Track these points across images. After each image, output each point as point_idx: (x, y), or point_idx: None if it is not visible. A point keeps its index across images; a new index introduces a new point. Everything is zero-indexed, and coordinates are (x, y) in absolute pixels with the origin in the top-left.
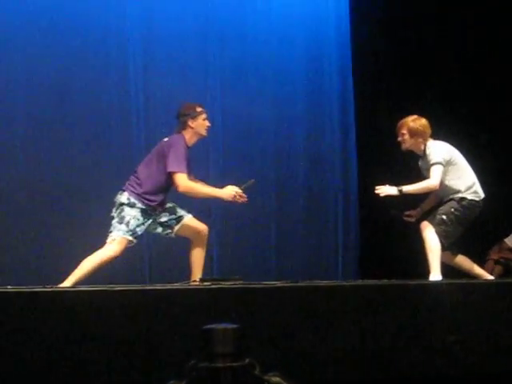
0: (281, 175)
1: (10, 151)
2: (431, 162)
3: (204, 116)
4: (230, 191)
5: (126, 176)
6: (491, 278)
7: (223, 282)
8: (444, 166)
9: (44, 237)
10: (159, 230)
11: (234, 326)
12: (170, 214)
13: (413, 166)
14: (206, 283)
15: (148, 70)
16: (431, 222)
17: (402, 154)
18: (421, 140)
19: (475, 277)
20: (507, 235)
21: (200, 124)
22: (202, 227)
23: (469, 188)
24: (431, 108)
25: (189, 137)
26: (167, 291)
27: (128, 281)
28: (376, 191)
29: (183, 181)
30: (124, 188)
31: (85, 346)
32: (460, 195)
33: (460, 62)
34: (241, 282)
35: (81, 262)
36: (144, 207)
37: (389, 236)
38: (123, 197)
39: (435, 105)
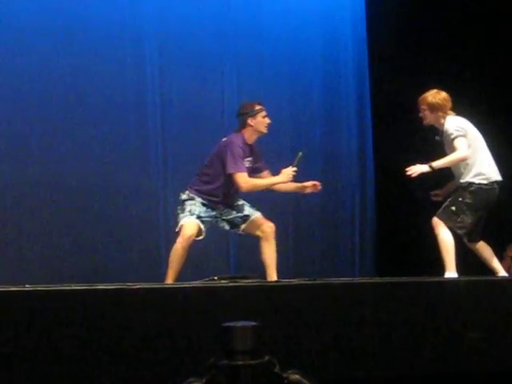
0: (297, 173)
1: (26, 150)
2: (452, 136)
3: (263, 113)
4: (287, 173)
5: (141, 173)
6: (505, 275)
7: (241, 280)
8: (465, 137)
9: (58, 235)
10: (227, 227)
11: (253, 323)
12: (237, 212)
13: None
14: (223, 281)
15: (164, 68)
16: (441, 217)
17: (419, 152)
18: (441, 114)
19: (491, 269)
20: None
21: (259, 121)
22: (268, 225)
23: (478, 171)
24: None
25: (248, 135)
26: (186, 289)
27: (146, 278)
28: (408, 173)
29: (243, 180)
30: (186, 187)
31: (105, 344)
32: (466, 180)
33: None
34: (258, 279)
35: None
36: (203, 201)
37: (406, 232)
38: (184, 194)
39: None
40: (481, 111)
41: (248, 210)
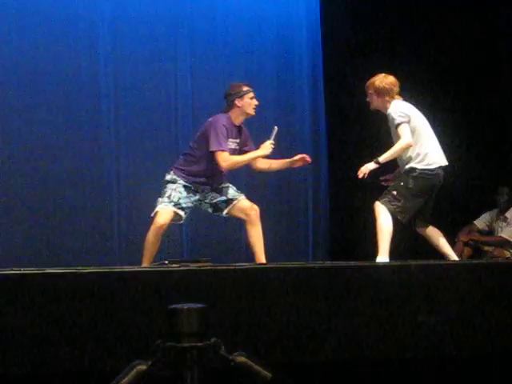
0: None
1: None
2: (396, 123)
3: (251, 95)
4: (266, 146)
5: (95, 160)
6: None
7: (191, 264)
8: (409, 123)
9: (13, 221)
10: (210, 209)
11: (199, 305)
12: (221, 196)
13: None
14: (174, 265)
15: (117, 55)
16: (382, 201)
17: (372, 138)
18: (387, 98)
19: (442, 255)
20: (477, 217)
21: (247, 103)
22: (253, 208)
23: (421, 157)
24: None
25: (235, 116)
26: (136, 273)
27: (98, 262)
28: (359, 176)
29: (223, 158)
30: (171, 167)
31: (50, 328)
32: (410, 165)
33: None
34: (209, 264)
35: None
36: (186, 184)
37: (358, 219)
38: (168, 175)
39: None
40: (428, 99)
41: (232, 193)
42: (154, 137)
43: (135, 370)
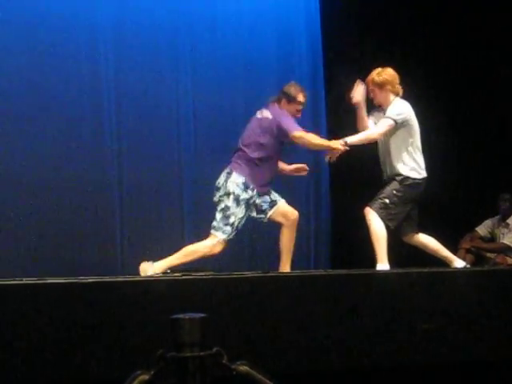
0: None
1: None
2: (386, 115)
3: (298, 108)
4: (338, 143)
5: (97, 168)
6: (460, 262)
7: (193, 273)
8: (396, 124)
9: (13, 229)
10: (253, 213)
11: (201, 315)
12: (266, 197)
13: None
14: (176, 274)
15: (119, 63)
16: (373, 207)
17: (373, 144)
18: (389, 88)
19: (442, 259)
20: (478, 224)
21: (290, 111)
22: (294, 213)
23: (415, 166)
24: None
25: None
26: (137, 282)
27: (100, 271)
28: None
29: (307, 135)
30: (232, 168)
31: (52, 338)
32: (403, 173)
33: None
34: (211, 273)
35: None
36: (249, 197)
37: (361, 225)
38: (232, 182)
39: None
40: (435, 102)
41: (275, 195)
42: (156, 144)
43: (137, 380)
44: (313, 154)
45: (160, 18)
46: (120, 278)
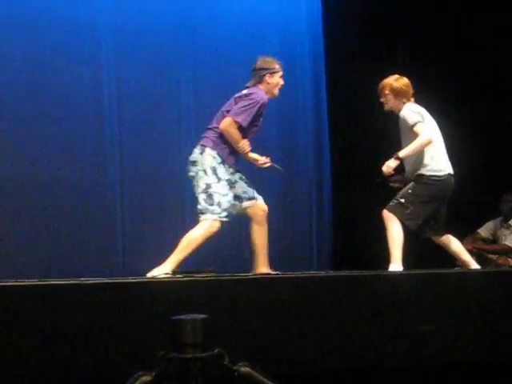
0: (254, 166)
1: None
2: (411, 122)
3: (281, 73)
4: (263, 161)
5: (99, 169)
6: (477, 266)
7: (195, 274)
8: (424, 123)
9: (13, 229)
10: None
11: (203, 316)
12: (248, 187)
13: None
14: (178, 275)
15: (120, 64)
16: (391, 209)
17: (375, 144)
18: (404, 100)
19: (461, 262)
20: (480, 226)
21: (276, 82)
22: (265, 210)
23: (430, 162)
24: None
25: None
26: (140, 283)
27: (102, 273)
28: (384, 173)
29: (232, 125)
30: (203, 143)
31: (53, 340)
32: (418, 172)
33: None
34: (213, 274)
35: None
36: (228, 173)
37: (363, 228)
38: (209, 156)
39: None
40: (438, 104)
41: (255, 192)
42: (158, 145)
43: (139, 381)
44: (314, 154)
45: (161, 20)
46: (121, 279)
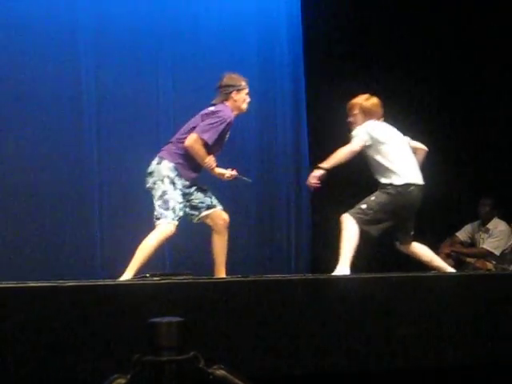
0: (233, 171)
1: None
2: (353, 134)
3: (247, 91)
4: (226, 175)
5: (78, 173)
6: (451, 270)
7: (172, 277)
8: (366, 140)
9: None
10: (187, 209)
11: (179, 319)
12: (205, 197)
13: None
14: (155, 278)
15: (99, 66)
16: (352, 213)
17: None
18: (375, 119)
19: (435, 269)
20: (458, 229)
21: (242, 98)
22: (226, 220)
23: (393, 173)
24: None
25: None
26: (116, 286)
27: (80, 276)
28: (312, 186)
29: (197, 141)
30: (162, 155)
31: (28, 342)
32: (382, 181)
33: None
34: (191, 276)
35: None
36: (182, 185)
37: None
38: (165, 168)
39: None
40: (412, 117)
41: (214, 200)
42: (136, 149)
43: None
44: (294, 161)
45: (141, 20)
46: (98, 282)
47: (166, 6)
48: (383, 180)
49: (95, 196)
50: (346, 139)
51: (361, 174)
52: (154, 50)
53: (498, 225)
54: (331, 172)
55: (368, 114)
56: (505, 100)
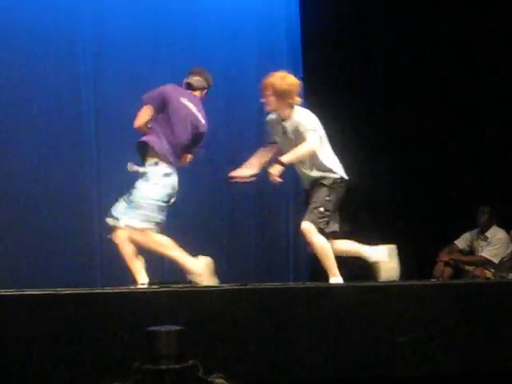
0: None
1: None
2: (305, 128)
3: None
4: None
5: (77, 179)
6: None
7: (171, 285)
8: (320, 135)
9: None
10: None
11: (178, 328)
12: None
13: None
14: (154, 286)
15: (98, 75)
16: (311, 220)
17: (350, 157)
18: (289, 101)
19: (364, 259)
20: (457, 237)
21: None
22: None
23: (334, 167)
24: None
25: None
26: (115, 294)
27: (79, 283)
28: (273, 180)
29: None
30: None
31: (27, 351)
32: (332, 177)
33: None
34: (189, 285)
35: None
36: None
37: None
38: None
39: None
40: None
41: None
42: (135, 157)
43: None
44: (293, 167)
45: (141, 28)
46: (97, 290)
47: (163, 7)
48: (328, 175)
49: (94, 206)
50: (348, 150)
51: (360, 181)
52: (153, 59)
53: (496, 233)
54: None
55: (282, 95)
56: (503, 108)
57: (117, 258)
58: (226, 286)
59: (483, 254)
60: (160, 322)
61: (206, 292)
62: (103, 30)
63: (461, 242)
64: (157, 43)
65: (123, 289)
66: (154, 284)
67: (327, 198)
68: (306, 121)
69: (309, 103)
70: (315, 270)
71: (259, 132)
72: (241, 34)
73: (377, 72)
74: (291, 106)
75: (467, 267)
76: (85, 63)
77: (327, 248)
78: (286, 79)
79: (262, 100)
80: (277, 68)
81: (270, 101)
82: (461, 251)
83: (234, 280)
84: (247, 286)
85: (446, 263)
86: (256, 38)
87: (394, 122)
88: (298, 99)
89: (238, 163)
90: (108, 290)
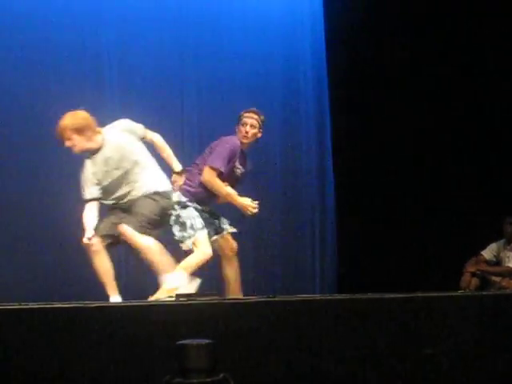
0: (258, 190)
1: None
2: (141, 132)
3: (242, 121)
4: (251, 206)
5: None
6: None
7: (199, 298)
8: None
9: None
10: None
11: (208, 341)
12: (214, 220)
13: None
14: (181, 299)
15: (123, 86)
16: (136, 226)
17: (376, 167)
18: (90, 133)
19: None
20: (484, 248)
21: (239, 130)
22: (234, 245)
23: (152, 181)
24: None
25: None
26: (143, 307)
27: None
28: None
29: (210, 174)
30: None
31: (62, 364)
32: (147, 192)
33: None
34: (217, 297)
35: None
36: (195, 205)
37: (367, 251)
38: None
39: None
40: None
41: (226, 224)
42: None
43: None
44: (317, 179)
45: (165, 39)
46: (123, 303)
47: (188, 25)
48: (148, 189)
49: None
50: (372, 164)
51: (385, 192)
52: (178, 70)
53: None
54: (355, 190)
55: (83, 130)
56: None
57: (139, 267)
58: (254, 298)
59: (510, 265)
60: (189, 335)
61: (235, 304)
62: (127, 41)
63: (487, 253)
64: (181, 46)
65: (151, 301)
66: (182, 296)
67: (154, 217)
68: (131, 128)
69: (332, 104)
70: (342, 279)
71: (283, 148)
72: (265, 38)
73: (403, 72)
74: (98, 134)
75: (494, 278)
76: (110, 75)
77: (157, 247)
78: (77, 115)
79: (67, 144)
80: (301, 68)
81: (76, 141)
82: (487, 262)
83: (259, 290)
84: (275, 299)
85: (473, 274)
86: (280, 40)
87: (421, 126)
88: (100, 129)
89: (261, 175)
90: (135, 302)
